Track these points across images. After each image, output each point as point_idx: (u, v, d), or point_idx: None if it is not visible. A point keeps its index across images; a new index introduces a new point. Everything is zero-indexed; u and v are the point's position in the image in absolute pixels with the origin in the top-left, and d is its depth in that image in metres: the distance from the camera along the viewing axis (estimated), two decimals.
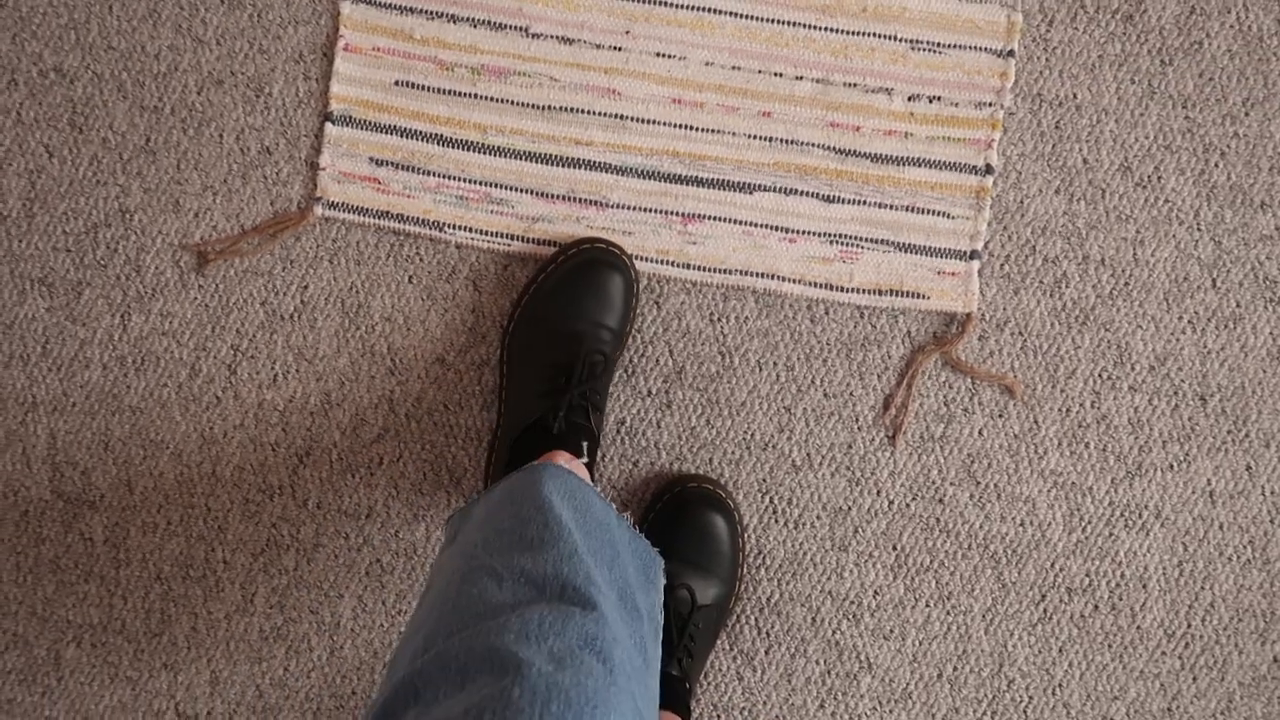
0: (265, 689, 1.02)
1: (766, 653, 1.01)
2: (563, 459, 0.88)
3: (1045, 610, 1.01)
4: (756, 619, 1.01)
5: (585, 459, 0.90)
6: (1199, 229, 1.00)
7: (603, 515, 0.78)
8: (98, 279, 1.02)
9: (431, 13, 1.00)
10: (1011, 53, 1.00)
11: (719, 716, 1.01)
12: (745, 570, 1.00)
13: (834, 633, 1.01)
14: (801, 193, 1.00)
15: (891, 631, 1.01)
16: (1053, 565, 1.01)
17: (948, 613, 1.01)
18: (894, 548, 1.01)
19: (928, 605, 1.01)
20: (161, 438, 1.02)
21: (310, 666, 1.02)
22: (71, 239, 1.02)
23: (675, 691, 0.91)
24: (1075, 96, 1.00)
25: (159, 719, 1.02)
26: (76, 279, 1.02)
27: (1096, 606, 1.01)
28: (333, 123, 1.01)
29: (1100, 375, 1.01)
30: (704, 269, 1.00)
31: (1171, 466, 1.01)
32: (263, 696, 1.02)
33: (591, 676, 0.54)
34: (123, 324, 1.02)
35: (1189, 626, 1.01)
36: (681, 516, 0.97)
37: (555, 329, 0.95)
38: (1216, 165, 1.00)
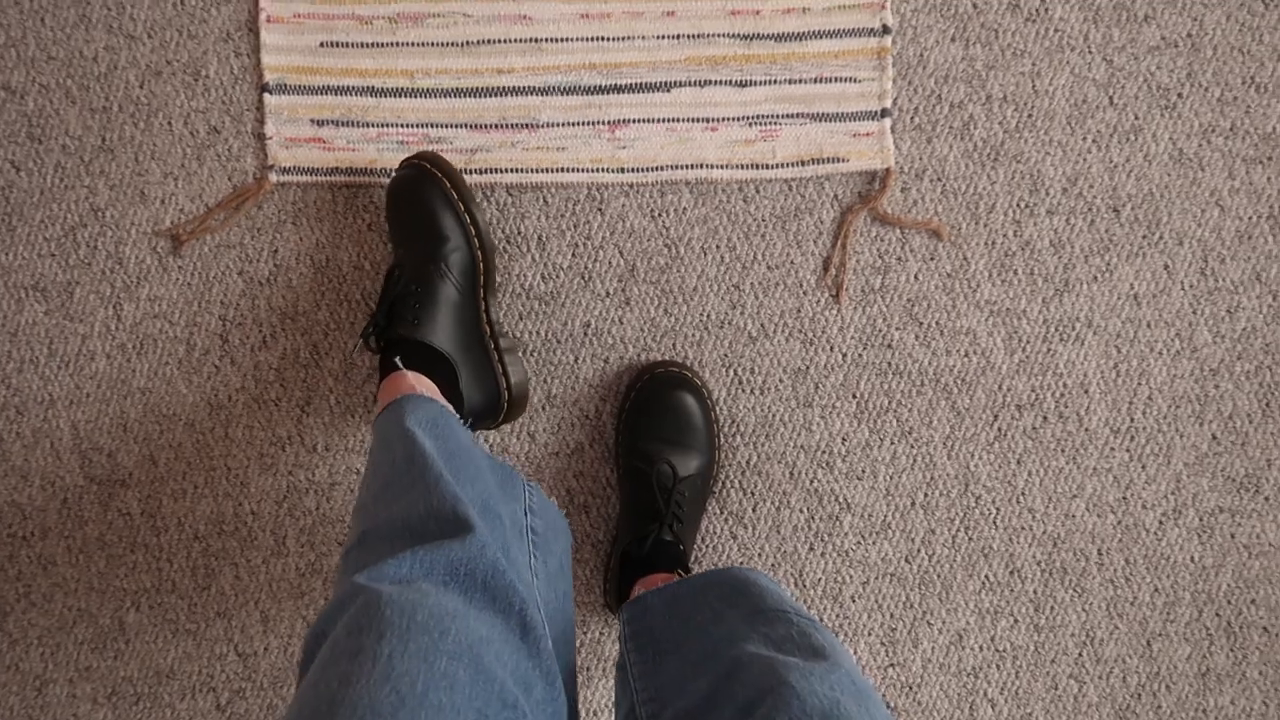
0: (311, 618, 1.05)
1: (754, 510, 1.03)
2: (400, 387, 0.86)
3: (999, 429, 1.03)
4: (740, 481, 1.03)
5: (404, 365, 0.88)
6: (1090, 51, 0.99)
7: (464, 439, 0.79)
8: (85, 277, 1.02)
9: None
10: None
11: None
12: (721, 440, 1.02)
13: (812, 482, 1.03)
14: (715, 83, 0.99)
15: (863, 472, 1.03)
16: (1000, 387, 1.02)
17: (911, 446, 1.03)
18: (854, 396, 1.02)
19: (892, 443, 1.03)
20: (173, 411, 1.03)
21: None
22: (54, 243, 1.02)
23: (670, 554, 0.93)
24: None
25: (222, 661, 1.05)
26: (66, 280, 1.02)
27: (1045, 418, 1.02)
28: (270, 93, 1.00)
29: (1018, 205, 1.01)
30: (637, 170, 1.00)
31: (1095, 278, 1.01)
32: (310, 626, 1.05)
33: (452, 595, 0.60)
34: (116, 314, 1.02)
35: (1132, 421, 1.03)
36: (654, 400, 0.98)
37: (396, 253, 0.95)
38: None
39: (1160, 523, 1.03)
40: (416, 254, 0.92)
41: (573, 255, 1.01)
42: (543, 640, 0.62)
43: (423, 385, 0.86)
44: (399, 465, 0.73)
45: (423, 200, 0.92)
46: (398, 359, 0.88)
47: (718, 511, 1.03)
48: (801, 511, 1.03)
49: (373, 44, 0.99)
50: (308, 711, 0.53)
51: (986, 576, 1.03)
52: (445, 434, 0.77)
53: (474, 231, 0.93)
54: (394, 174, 0.95)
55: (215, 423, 1.03)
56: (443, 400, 0.86)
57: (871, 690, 0.63)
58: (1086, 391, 1.02)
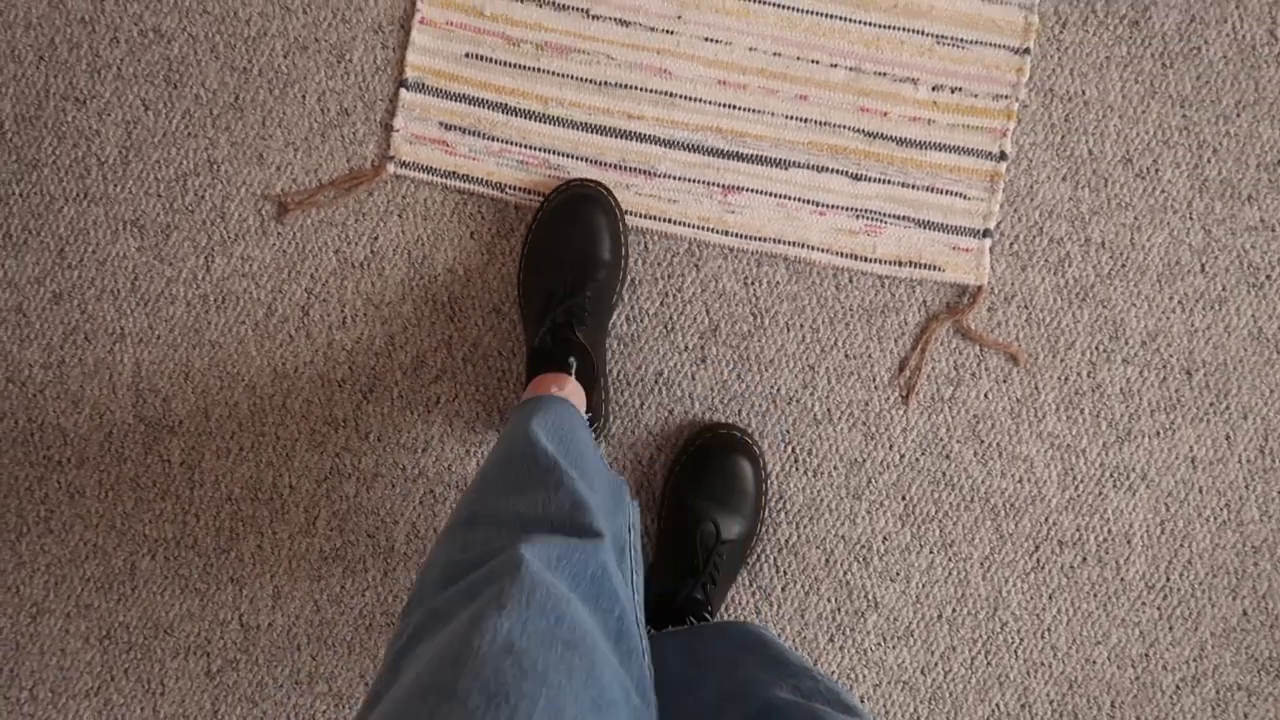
0: (323, 604, 1.02)
1: (783, 589, 1.01)
2: (552, 384, 0.86)
3: (1038, 560, 1.01)
4: (775, 558, 1.01)
5: (574, 372, 0.88)
6: (1191, 218, 1.01)
7: (584, 445, 0.78)
8: (185, 223, 1.02)
9: None
10: (1028, 51, 1.00)
11: None
12: (767, 513, 1.00)
13: (845, 573, 1.01)
14: (832, 170, 1.00)
15: (898, 574, 1.01)
16: (1046, 519, 1.01)
17: (949, 559, 1.01)
18: (903, 498, 1.01)
19: (931, 551, 1.01)
20: (237, 371, 1.02)
21: (365, 586, 1.02)
22: (163, 185, 1.02)
23: (697, 613, 0.91)
24: (1084, 93, 1.01)
25: (224, 628, 1.02)
26: (166, 222, 1.02)
27: (1085, 559, 1.01)
28: (407, 89, 1.01)
29: (1096, 347, 1.01)
30: (741, 236, 1.00)
31: (1158, 433, 1.01)
32: (320, 611, 1.02)
33: (561, 579, 0.60)
34: (206, 265, 1.02)
35: (1168, 580, 1.01)
36: (711, 459, 0.97)
37: (544, 262, 0.94)
38: (1209, 161, 1.01)
39: (1178, 687, 1.01)
40: (579, 265, 0.92)
41: (660, 303, 1.00)
42: (635, 653, 0.60)
43: (570, 389, 0.86)
44: (520, 462, 0.72)
45: (599, 218, 0.94)
46: (572, 359, 0.88)
47: (747, 583, 1.00)
48: (829, 600, 1.00)
49: (515, 65, 1.00)
50: (435, 661, 0.53)
51: (998, 705, 1.01)
52: (570, 439, 0.76)
53: (624, 257, 0.96)
54: (553, 193, 0.96)
55: (276, 390, 1.01)
56: (582, 406, 0.86)
57: None
58: (1129, 542, 1.01)
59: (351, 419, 1.01)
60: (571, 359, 0.88)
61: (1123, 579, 1.00)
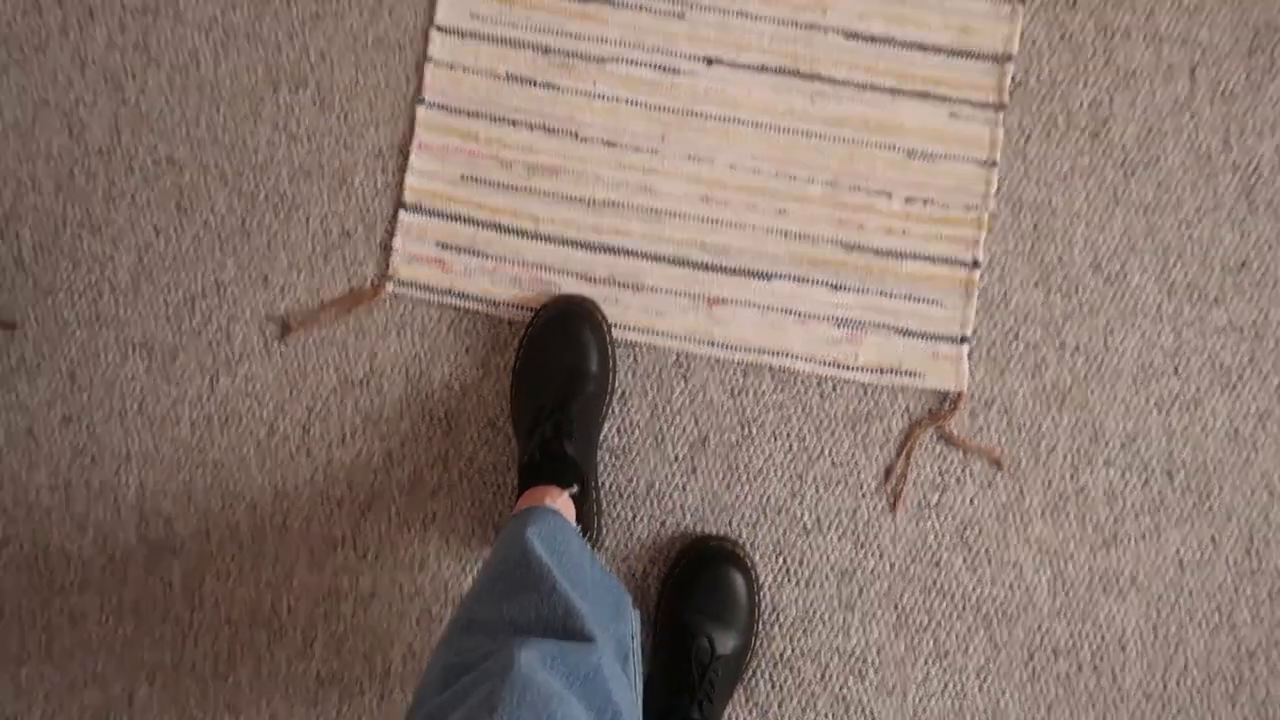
0: None
1: (779, 706, 1.00)
2: (545, 496, 0.88)
3: (1034, 670, 1.00)
4: (770, 673, 1.00)
5: (571, 487, 0.90)
6: (1161, 321, 1.03)
7: (578, 556, 0.81)
8: (192, 345, 1.05)
9: (495, 118, 1.05)
10: (994, 163, 1.04)
11: None
12: (760, 625, 1.00)
13: (841, 688, 1.00)
14: (813, 281, 1.03)
15: (894, 687, 1.00)
16: (1039, 627, 1.00)
17: (945, 670, 1.00)
18: (895, 608, 1.01)
19: (926, 663, 1.00)
20: (239, 490, 1.03)
21: (361, 710, 1.01)
22: (171, 309, 1.05)
23: None
24: (1050, 202, 1.04)
25: None
26: (173, 344, 1.05)
27: (1080, 667, 1.00)
28: (406, 210, 1.05)
29: (1077, 451, 1.02)
30: (727, 347, 1.03)
31: (1144, 536, 1.01)
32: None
33: (556, 678, 0.63)
34: (211, 386, 1.04)
35: (1165, 688, 1.00)
36: (703, 572, 0.97)
37: (533, 377, 0.97)
38: (1175, 264, 1.03)
39: None
40: (566, 379, 0.94)
41: (650, 415, 1.02)
42: None
43: (562, 502, 0.87)
44: (515, 569, 0.74)
45: (586, 333, 0.97)
46: (560, 472, 0.90)
47: (743, 699, 0.99)
48: (827, 716, 0.99)
49: (508, 185, 1.04)
50: None
51: None
52: (563, 550, 0.78)
53: (612, 370, 0.98)
54: (541, 309, 0.99)
55: (276, 510, 1.02)
56: (572, 519, 0.88)
57: None
58: (1124, 648, 1.00)
59: (349, 537, 1.02)
60: (561, 469, 0.89)
61: (1120, 688, 0.99)
